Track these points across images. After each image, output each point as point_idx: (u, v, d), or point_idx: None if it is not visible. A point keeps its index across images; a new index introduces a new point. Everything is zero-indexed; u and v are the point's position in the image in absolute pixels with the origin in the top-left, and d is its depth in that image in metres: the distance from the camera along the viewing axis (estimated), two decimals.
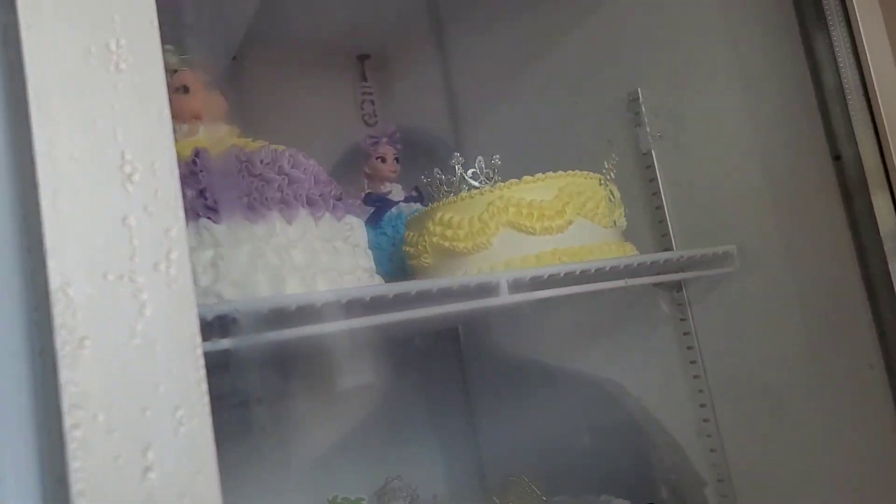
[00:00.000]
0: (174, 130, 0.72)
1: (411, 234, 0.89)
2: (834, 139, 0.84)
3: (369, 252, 0.74)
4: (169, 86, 0.72)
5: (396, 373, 1.26)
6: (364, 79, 1.50)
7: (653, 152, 1.01)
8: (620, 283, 0.78)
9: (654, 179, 1.01)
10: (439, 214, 0.83)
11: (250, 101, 1.36)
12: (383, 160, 1.16)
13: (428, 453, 1.34)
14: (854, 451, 0.86)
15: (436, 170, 0.87)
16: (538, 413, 1.22)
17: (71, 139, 0.33)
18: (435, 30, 1.42)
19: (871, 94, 0.82)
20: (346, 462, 1.22)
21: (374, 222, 1.10)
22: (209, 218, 0.61)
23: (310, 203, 0.66)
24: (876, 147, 0.81)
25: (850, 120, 0.82)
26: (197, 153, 0.64)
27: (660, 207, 1.01)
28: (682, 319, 1.01)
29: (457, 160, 0.85)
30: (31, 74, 0.33)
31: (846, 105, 0.82)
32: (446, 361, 1.38)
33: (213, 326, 0.45)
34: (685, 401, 1.01)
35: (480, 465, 1.34)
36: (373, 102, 1.50)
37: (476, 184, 0.84)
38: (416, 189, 1.13)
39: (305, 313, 0.59)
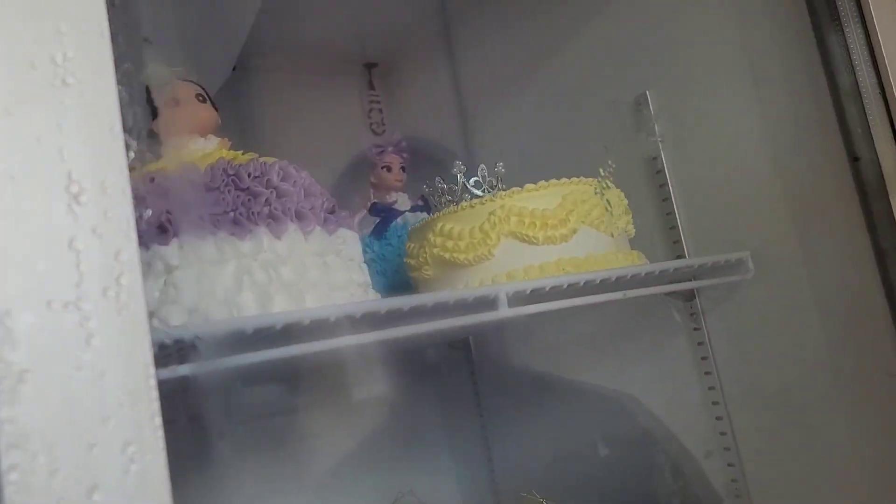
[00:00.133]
0: (160, 144, 0.71)
1: (412, 245, 0.86)
2: (850, 141, 0.81)
3: (364, 266, 0.72)
4: (160, 99, 0.71)
5: (406, 386, 1.24)
6: (371, 87, 1.49)
7: (662, 157, 0.98)
8: (618, 295, 0.75)
9: (664, 185, 0.98)
10: (440, 225, 0.81)
11: (257, 111, 1.35)
12: (389, 169, 1.14)
13: (440, 467, 1.32)
14: (878, 464, 0.82)
15: (437, 179, 0.85)
16: (551, 426, 1.20)
17: (11, 158, 0.31)
18: (442, 37, 1.40)
19: (888, 94, 0.78)
20: (357, 477, 1.20)
21: (379, 233, 1.08)
22: (194, 234, 0.58)
23: (299, 217, 0.64)
24: (894, 148, 0.78)
25: (866, 121, 0.79)
26: (183, 167, 0.62)
27: (671, 214, 0.98)
28: (695, 329, 0.98)
29: (458, 168, 0.83)
30: None
31: (863, 105, 0.79)
32: (457, 373, 1.36)
33: (171, 352, 0.43)
34: (700, 413, 0.98)
35: (493, 478, 1.31)
36: (380, 111, 1.48)
37: (479, 192, 0.82)
38: (423, 198, 1.11)
39: (291, 332, 0.57)
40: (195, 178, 0.61)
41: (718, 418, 0.96)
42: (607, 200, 0.79)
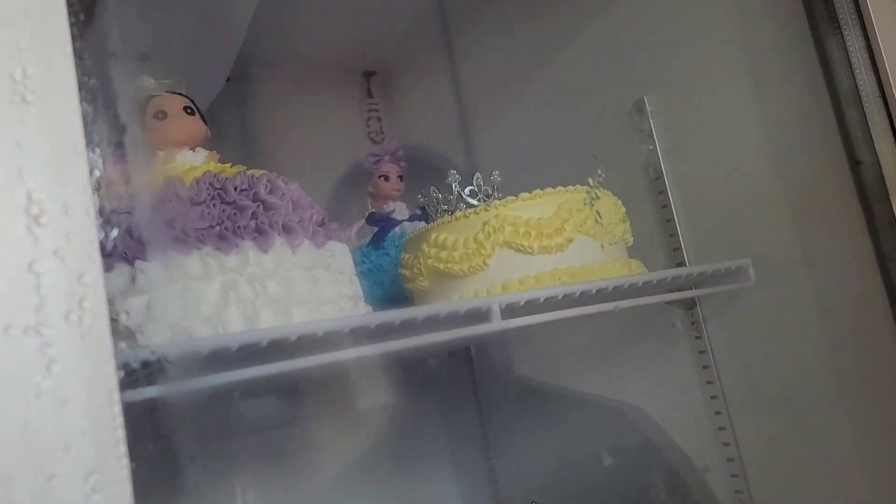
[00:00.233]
0: (150, 156, 0.70)
1: (407, 256, 0.85)
2: (851, 144, 0.79)
3: (355, 278, 0.71)
4: (146, 112, 0.71)
5: (407, 396, 1.23)
6: (370, 95, 1.48)
7: (661, 163, 0.97)
8: (610, 306, 0.73)
9: (663, 192, 0.97)
10: (433, 235, 0.80)
11: (255, 121, 1.34)
12: (386, 178, 1.13)
13: (441, 477, 1.31)
14: (883, 470, 0.80)
15: (432, 188, 0.84)
16: (552, 435, 1.18)
17: None
18: (441, 44, 1.39)
19: (888, 97, 0.77)
20: (358, 489, 1.19)
21: (376, 243, 1.07)
22: (177, 250, 0.58)
23: (286, 230, 0.62)
24: (895, 151, 0.77)
25: (867, 124, 0.78)
26: (167, 182, 0.61)
27: (670, 221, 0.96)
28: (697, 337, 0.96)
29: (453, 178, 0.82)
30: None
31: (863, 109, 0.78)
32: (458, 383, 1.35)
33: (141, 374, 0.42)
34: (703, 423, 0.96)
35: (495, 488, 1.30)
36: (379, 119, 1.48)
37: (474, 202, 0.81)
38: (421, 208, 1.10)
39: (278, 348, 0.56)
40: (180, 192, 0.60)
41: (721, 428, 0.95)
42: (597, 211, 0.77)
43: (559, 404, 1.18)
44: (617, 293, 0.75)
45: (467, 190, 0.81)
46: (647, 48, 0.99)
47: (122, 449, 0.32)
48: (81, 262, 0.32)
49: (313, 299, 0.62)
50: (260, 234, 0.61)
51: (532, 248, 0.76)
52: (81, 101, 0.34)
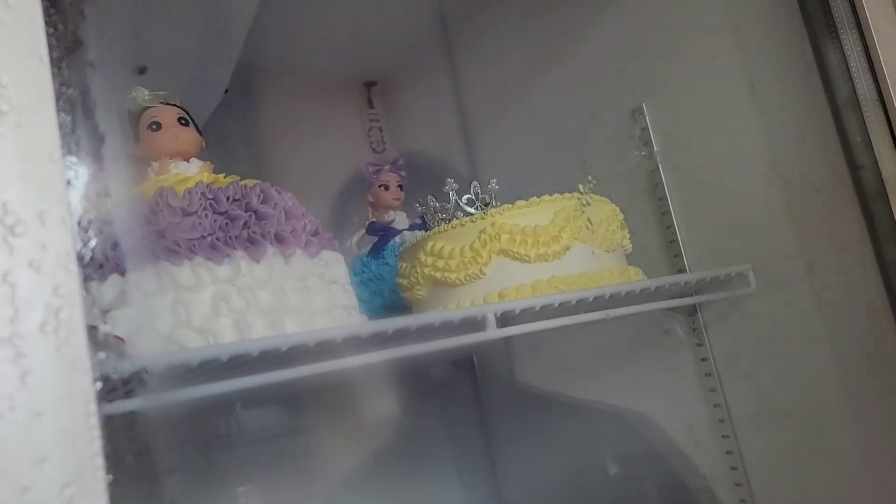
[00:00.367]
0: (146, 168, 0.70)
1: (404, 264, 0.85)
2: (850, 150, 0.79)
3: (349, 288, 0.70)
4: (141, 123, 0.71)
5: (410, 405, 1.23)
6: (371, 105, 1.48)
7: (660, 169, 0.96)
8: (601, 315, 0.73)
9: (662, 198, 0.96)
10: (430, 244, 0.80)
11: (256, 132, 1.35)
12: (386, 188, 1.13)
13: (445, 487, 1.30)
14: (890, 478, 0.79)
15: (430, 197, 0.84)
16: (556, 444, 1.18)
17: None
18: (441, 54, 1.39)
19: (887, 102, 0.76)
20: (361, 499, 1.19)
21: (376, 252, 1.07)
22: (169, 261, 0.57)
23: (279, 240, 0.62)
24: (895, 157, 0.76)
25: (866, 129, 0.77)
26: (159, 192, 0.61)
27: (670, 227, 0.96)
28: (698, 345, 0.95)
29: (450, 186, 0.82)
30: None
31: (861, 114, 0.77)
32: (461, 392, 1.34)
33: (118, 386, 0.41)
34: (706, 431, 0.96)
35: (499, 498, 1.29)
36: (380, 129, 1.48)
37: (471, 210, 0.80)
38: (421, 217, 1.10)
39: (270, 357, 0.55)
40: (172, 203, 0.60)
41: (724, 436, 0.94)
42: (588, 218, 0.77)
43: (562, 413, 1.18)
44: (614, 301, 0.75)
45: (465, 198, 0.81)
46: (645, 55, 0.98)
47: (99, 461, 0.32)
48: (58, 273, 0.32)
49: (305, 309, 0.61)
50: (252, 243, 0.61)
51: (529, 256, 0.75)
52: (59, 111, 0.34)
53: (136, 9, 0.90)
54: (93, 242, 0.38)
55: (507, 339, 1.23)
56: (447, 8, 1.33)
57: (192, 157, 0.71)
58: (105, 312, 0.56)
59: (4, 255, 0.31)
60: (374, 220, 1.13)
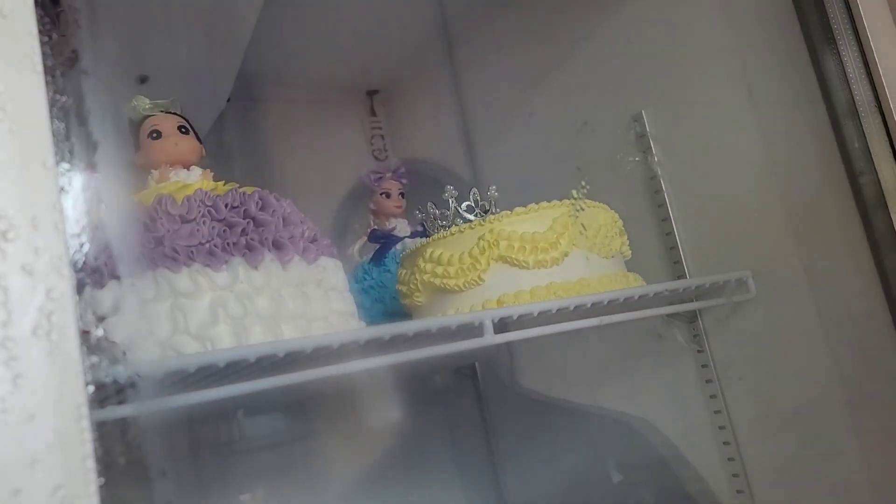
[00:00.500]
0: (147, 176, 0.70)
1: (404, 271, 0.85)
2: (849, 157, 0.79)
3: (348, 295, 0.71)
4: (142, 131, 0.71)
5: (412, 412, 1.23)
6: (373, 114, 1.49)
7: (660, 176, 0.97)
8: (596, 321, 0.73)
9: (662, 205, 0.96)
10: (429, 251, 0.80)
11: (259, 141, 1.35)
12: (388, 195, 1.13)
13: (448, 493, 1.30)
14: (889, 477, 0.80)
15: (429, 204, 0.84)
16: (558, 450, 1.18)
17: None
18: (442, 62, 1.40)
19: (885, 110, 0.77)
20: None
21: (377, 259, 1.07)
22: (167, 267, 0.58)
23: (277, 246, 0.63)
24: (893, 163, 0.76)
25: (864, 137, 0.77)
26: (158, 200, 0.61)
27: (670, 234, 0.96)
28: (699, 351, 0.96)
29: (449, 193, 0.82)
30: None
31: (860, 122, 0.78)
32: (464, 399, 1.34)
33: (110, 391, 0.42)
34: (707, 438, 0.96)
35: None
36: (382, 137, 1.48)
37: (471, 217, 0.81)
38: (422, 224, 1.10)
39: (267, 363, 0.56)
40: (170, 210, 0.60)
41: (726, 443, 0.94)
42: (582, 224, 0.77)
43: (564, 419, 1.18)
44: (613, 307, 0.75)
45: (464, 205, 0.81)
46: (645, 63, 0.99)
47: (91, 464, 0.32)
48: (50, 277, 0.33)
49: (303, 315, 0.62)
50: (250, 250, 0.61)
51: (527, 263, 0.76)
52: (53, 118, 0.34)
53: (136, 19, 0.91)
54: (87, 248, 0.39)
55: (509, 346, 1.24)
56: (449, 17, 1.33)
57: (192, 165, 0.71)
58: (103, 318, 0.56)
59: None
60: (375, 227, 1.13)
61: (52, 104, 0.35)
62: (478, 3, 1.26)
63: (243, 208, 0.63)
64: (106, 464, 0.33)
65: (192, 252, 0.59)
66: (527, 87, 1.22)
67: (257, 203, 0.64)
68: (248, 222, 0.62)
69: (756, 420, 0.91)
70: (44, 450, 0.31)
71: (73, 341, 0.33)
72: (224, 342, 0.57)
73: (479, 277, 0.76)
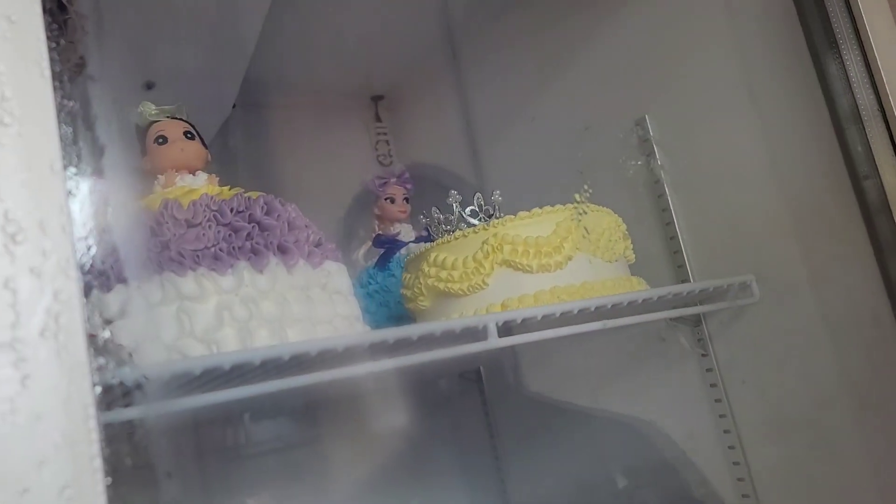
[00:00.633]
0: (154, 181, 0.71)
1: (408, 276, 0.86)
2: (852, 161, 0.79)
3: (352, 298, 0.71)
4: (148, 137, 0.72)
5: (417, 417, 1.23)
6: (378, 119, 1.50)
7: (664, 180, 0.97)
8: (599, 325, 0.73)
9: (666, 209, 0.97)
10: (433, 255, 0.80)
11: (264, 147, 1.36)
12: (392, 201, 1.14)
13: (454, 499, 1.30)
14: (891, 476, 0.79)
15: (433, 209, 0.85)
16: (563, 454, 1.18)
17: None
18: (447, 68, 1.40)
19: (888, 114, 0.77)
20: None
21: (382, 264, 1.07)
22: (173, 271, 0.58)
23: (282, 250, 0.63)
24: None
25: (867, 141, 0.78)
26: (164, 204, 0.62)
27: (674, 238, 0.96)
28: (703, 355, 0.96)
29: (453, 198, 0.83)
30: None
31: (863, 126, 0.78)
32: (469, 403, 1.35)
33: (117, 393, 0.42)
34: (712, 442, 0.95)
35: None
36: (388, 142, 1.49)
37: (475, 221, 0.81)
38: (427, 229, 1.11)
39: (272, 366, 0.56)
40: (176, 215, 0.61)
41: (731, 447, 0.94)
42: (585, 227, 0.77)
43: (569, 423, 1.18)
44: (616, 311, 0.75)
45: (468, 210, 0.82)
46: (648, 68, 0.99)
47: (98, 463, 0.32)
48: (57, 279, 0.33)
49: (308, 319, 0.62)
50: (255, 254, 0.61)
51: (531, 267, 0.76)
52: (61, 123, 0.35)
53: (143, 26, 0.92)
54: (94, 251, 0.39)
55: (514, 350, 1.24)
56: (453, 23, 1.34)
57: (197, 170, 0.72)
58: (109, 322, 0.56)
59: (6, 261, 0.32)
60: (380, 232, 1.14)
61: (60, 109, 0.35)
62: (481, 8, 1.26)
63: (248, 213, 0.64)
64: (113, 464, 0.33)
65: (197, 256, 0.59)
66: (531, 91, 1.22)
67: (262, 207, 0.65)
68: (253, 226, 0.63)
69: (761, 424, 0.91)
70: (51, 450, 0.31)
71: (80, 342, 0.33)
72: (229, 345, 0.58)
73: (483, 281, 0.76)
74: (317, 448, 1.25)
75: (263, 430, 1.23)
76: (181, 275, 0.58)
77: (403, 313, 0.94)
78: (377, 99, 1.50)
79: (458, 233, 0.79)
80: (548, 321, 0.71)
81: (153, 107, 0.73)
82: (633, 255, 0.86)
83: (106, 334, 0.45)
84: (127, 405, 0.42)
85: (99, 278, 0.55)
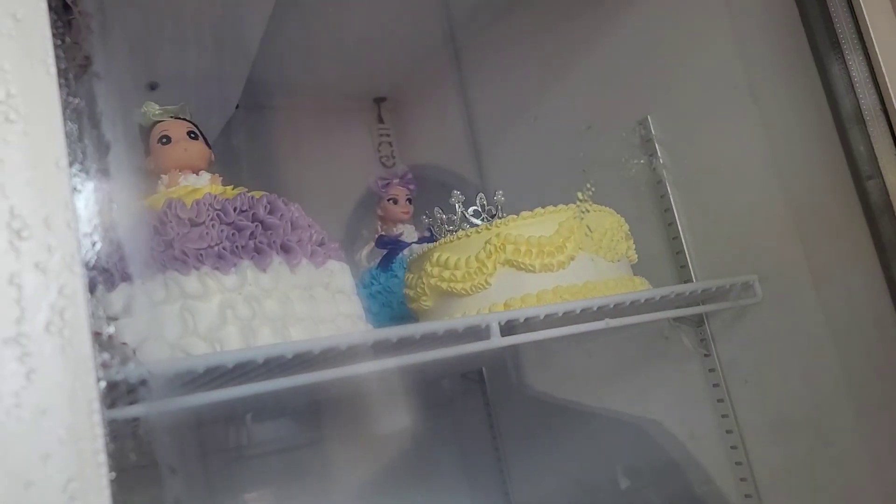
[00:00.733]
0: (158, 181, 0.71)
1: (411, 276, 0.86)
2: (854, 162, 0.79)
3: (355, 298, 0.71)
4: (152, 137, 0.72)
5: (420, 418, 1.23)
6: (381, 121, 1.50)
7: (666, 181, 0.97)
8: (601, 324, 0.73)
9: (669, 209, 0.97)
10: (436, 255, 0.80)
11: (267, 148, 1.36)
12: (395, 201, 1.14)
13: (456, 500, 1.30)
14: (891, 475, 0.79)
15: (436, 209, 0.85)
16: (565, 455, 1.18)
17: None
18: (449, 69, 1.40)
19: (891, 116, 0.77)
20: None
21: (385, 265, 1.08)
22: (177, 270, 0.59)
23: (285, 250, 0.63)
24: None
25: (870, 142, 0.78)
26: (168, 204, 0.62)
27: (676, 238, 0.96)
28: (706, 355, 0.96)
29: (456, 198, 0.83)
30: None
31: (865, 127, 0.78)
32: (471, 404, 1.35)
33: (121, 391, 0.42)
34: (714, 442, 0.96)
35: None
36: (390, 144, 1.49)
37: (477, 222, 0.81)
38: (430, 229, 1.11)
39: (275, 365, 0.56)
40: (180, 214, 0.61)
41: (733, 447, 0.94)
42: (587, 226, 0.77)
43: (571, 423, 1.18)
44: (619, 310, 0.75)
45: (471, 210, 0.82)
46: (651, 68, 0.99)
47: (102, 458, 0.32)
48: (63, 274, 0.33)
49: (311, 318, 0.62)
50: (258, 253, 0.62)
51: (533, 267, 0.76)
52: (66, 120, 0.35)
53: (147, 26, 0.92)
54: (99, 248, 0.39)
55: (516, 351, 1.24)
56: (455, 24, 1.34)
57: (201, 169, 0.72)
58: (114, 320, 0.57)
59: (11, 257, 0.32)
60: (382, 233, 1.14)
61: (65, 106, 0.35)
62: (483, 10, 1.27)
63: (252, 212, 0.64)
64: (117, 459, 0.34)
65: (201, 255, 0.60)
66: (533, 92, 1.23)
67: (266, 207, 0.65)
68: (256, 226, 0.63)
69: (763, 424, 0.91)
70: (56, 444, 0.32)
71: (84, 338, 0.33)
72: (233, 344, 0.58)
73: (486, 281, 0.77)
74: (320, 448, 1.25)
75: (266, 430, 1.23)
76: (185, 273, 0.59)
77: (406, 314, 0.94)
78: (380, 101, 1.51)
79: (460, 233, 0.80)
80: (550, 321, 0.71)
81: (157, 107, 0.73)
82: (636, 255, 0.86)
83: (110, 330, 0.45)
84: (131, 402, 0.43)
85: (103, 276, 0.55)
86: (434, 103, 1.46)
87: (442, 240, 0.81)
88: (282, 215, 0.65)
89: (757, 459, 0.92)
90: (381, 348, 0.62)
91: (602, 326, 0.74)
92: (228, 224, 0.62)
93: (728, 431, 0.94)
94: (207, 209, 0.62)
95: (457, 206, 0.82)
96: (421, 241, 1.10)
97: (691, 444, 0.99)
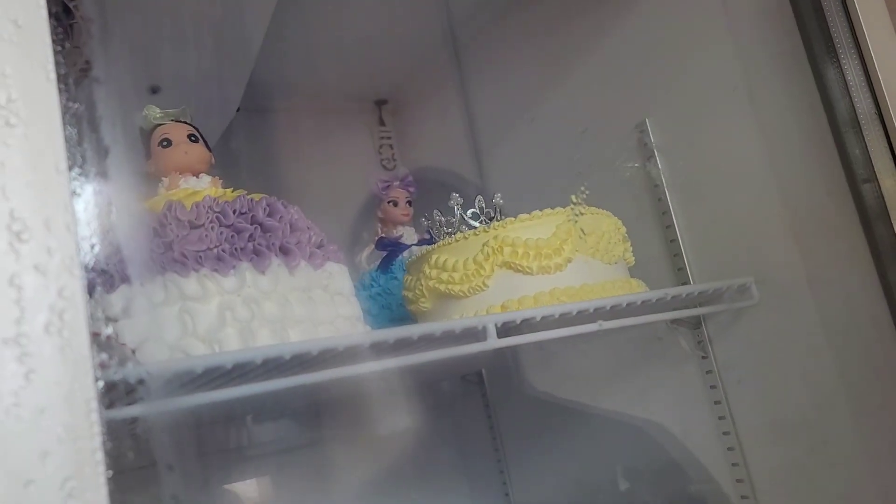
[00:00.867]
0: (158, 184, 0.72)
1: (409, 277, 0.87)
2: (850, 166, 0.79)
3: (354, 300, 0.72)
4: (152, 140, 0.73)
5: (420, 420, 1.24)
6: (382, 123, 1.50)
7: (664, 183, 0.97)
8: (595, 327, 0.74)
9: (666, 212, 0.97)
10: (435, 257, 0.81)
11: (268, 150, 1.37)
12: (395, 204, 1.15)
13: (456, 501, 1.31)
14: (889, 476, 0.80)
15: (435, 211, 0.85)
16: (566, 456, 1.18)
17: None
18: (450, 72, 1.41)
19: (886, 119, 0.77)
20: None
21: (385, 267, 1.08)
22: (176, 272, 0.59)
23: (284, 252, 0.64)
24: (894, 172, 0.77)
25: (865, 146, 0.78)
26: (168, 206, 0.63)
27: (674, 240, 0.97)
28: (703, 357, 0.96)
29: (455, 200, 0.83)
30: None
31: (861, 131, 0.78)
32: (471, 406, 1.35)
33: (120, 391, 0.43)
34: (711, 443, 0.96)
35: None
36: (391, 146, 1.50)
37: (476, 224, 0.82)
38: (429, 231, 1.12)
39: (274, 366, 0.57)
40: (179, 216, 0.62)
41: (730, 449, 0.94)
42: (581, 228, 0.78)
43: (571, 424, 1.18)
44: (615, 312, 0.76)
45: (469, 212, 0.83)
46: (649, 72, 1.00)
47: (100, 456, 0.33)
48: (62, 276, 0.34)
49: (309, 319, 0.63)
50: (257, 255, 0.62)
51: (531, 269, 0.76)
52: (66, 124, 0.36)
53: (148, 30, 0.93)
54: (98, 250, 0.40)
55: (516, 353, 1.24)
56: (456, 27, 1.35)
57: (201, 172, 0.73)
58: (113, 321, 0.57)
59: (11, 259, 0.33)
60: (382, 235, 1.14)
61: (65, 111, 0.36)
62: (483, 12, 1.27)
63: (251, 214, 0.65)
64: (115, 458, 0.34)
65: (200, 257, 0.60)
66: (532, 94, 1.23)
67: (265, 209, 0.66)
68: (255, 228, 0.63)
69: (760, 425, 0.92)
70: (54, 443, 0.32)
71: (83, 338, 0.34)
72: (231, 345, 0.58)
73: (484, 283, 0.77)
74: (320, 449, 1.25)
75: (265, 431, 1.24)
76: (184, 275, 0.59)
77: (405, 315, 0.95)
78: (381, 103, 1.51)
79: (459, 235, 0.80)
80: (547, 322, 0.71)
81: (158, 110, 0.74)
82: (633, 258, 0.87)
83: (109, 331, 0.45)
84: (130, 403, 0.43)
85: (103, 278, 0.56)
86: (434, 105, 1.47)
87: (440, 242, 0.82)
88: (281, 217, 0.65)
89: (754, 460, 0.93)
90: (378, 349, 0.62)
91: (598, 328, 0.75)
92: (228, 226, 0.63)
93: (725, 433, 0.94)
94: (207, 211, 0.63)
95: (455, 208, 0.83)
96: (421, 243, 1.11)
97: (689, 445, 1.00)
